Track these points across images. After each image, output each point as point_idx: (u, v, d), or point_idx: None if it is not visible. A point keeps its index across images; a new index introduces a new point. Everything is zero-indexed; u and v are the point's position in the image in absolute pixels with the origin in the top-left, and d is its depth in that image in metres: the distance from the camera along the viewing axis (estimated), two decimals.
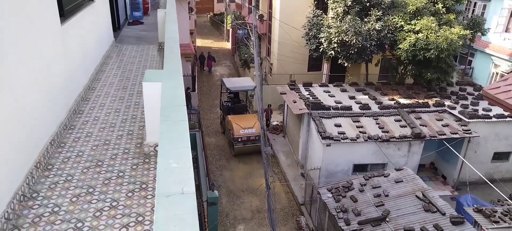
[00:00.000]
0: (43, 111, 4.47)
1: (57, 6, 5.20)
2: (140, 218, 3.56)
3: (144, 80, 4.31)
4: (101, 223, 3.47)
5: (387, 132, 13.61)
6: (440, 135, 13.60)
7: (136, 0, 12.82)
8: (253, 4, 26.51)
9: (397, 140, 13.33)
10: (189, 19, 21.86)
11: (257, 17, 19.27)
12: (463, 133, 13.83)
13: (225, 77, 25.57)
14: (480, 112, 14.83)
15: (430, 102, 15.81)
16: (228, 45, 36.71)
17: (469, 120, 14.20)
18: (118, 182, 4.09)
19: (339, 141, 13.08)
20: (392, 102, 15.87)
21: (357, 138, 13.21)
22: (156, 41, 9.92)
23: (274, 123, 20.05)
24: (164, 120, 3.36)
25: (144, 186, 4.05)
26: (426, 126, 14.09)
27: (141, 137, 5.10)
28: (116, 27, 11.02)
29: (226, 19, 35.94)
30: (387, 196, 11.05)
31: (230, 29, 34.13)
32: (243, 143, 17.13)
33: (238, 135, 17.03)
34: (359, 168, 13.67)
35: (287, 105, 17.06)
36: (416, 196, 10.81)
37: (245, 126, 17.16)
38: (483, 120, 14.29)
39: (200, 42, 37.72)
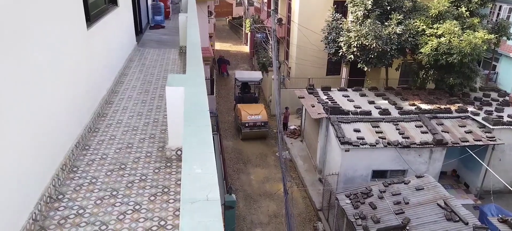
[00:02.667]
0: (69, 114, 4.56)
1: (83, 11, 5.30)
2: (162, 222, 3.56)
3: (167, 84, 4.33)
4: (124, 226, 3.50)
5: (408, 137, 13.33)
6: (463, 141, 13.22)
7: (158, 4, 12.99)
8: (272, 7, 26.52)
9: (418, 146, 13.05)
10: (208, 22, 22.02)
11: (275, 21, 19.28)
12: (487, 140, 13.40)
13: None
14: (505, 119, 14.35)
15: (453, 108, 15.40)
16: (246, 48, 36.80)
17: (494, 127, 13.76)
18: (140, 186, 4.12)
19: (358, 146, 12.90)
20: (413, 107, 15.57)
21: (377, 143, 13.00)
22: (177, 45, 10.02)
23: (292, 127, 19.95)
24: (188, 124, 3.36)
25: (166, 190, 4.07)
26: (448, 132, 13.74)
27: (163, 140, 5.13)
28: (139, 31, 11.19)
29: (245, 23, 36.07)
30: (407, 203, 10.80)
31: (249, 33, 34.20)
32: (249, 128, 18.89)
33: (245, 120, 18.77)
34: (378, 174, 13.44)
35: (305, 109, 16.96)
36: (438, 205, 10.52)
37: (252, 112, 18.93)
38: (508, 126, 13.82)
39: (218, 45, 37.98)
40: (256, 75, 21.51)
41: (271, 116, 22.06)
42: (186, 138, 3.14)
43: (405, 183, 11.72)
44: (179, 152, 4.67)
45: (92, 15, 5.79)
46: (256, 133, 19.04)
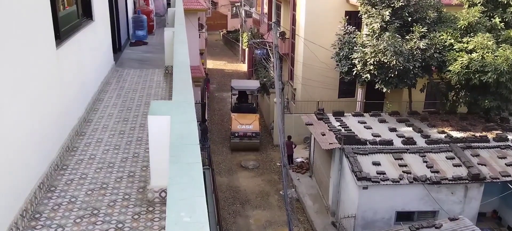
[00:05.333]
0: (32, 149, 4.53)
1: (52, 27, 5.37)
2: None
3: (149, 113, 4.32)
4: None
5: (437, 172, 13.28)
6: (504, 176, 13.14)
7: (140, 17, 13.20)
8: (273, 19, 26.97)
9: (450, 182, 12.97)
10: (199, 37, 22.40)
11: (278, 35, 19.57)
12: None
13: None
14: None
15: (490, 135, 15.41)
16: (244, 67, 37.20)
17: None
18: None
19: (378, 182, 12.82)
20: (442, 135, 15.57)
21: (400, 179, 12.93)
22: (162, 65, 10.12)
23: (299, 160, 19.88)
24: (174, 162, 3.33)
25: None
26: (485, 165, 13.69)
27: (144, 179, 5.09)
28: (117, 48, 11.32)
29: (242, 37, 36.62)
30: None
31: (246, 49, 34.65)
32: (239, 138, 21.42)
33: (235, 130, 21.37)
34: (403, 217, 13.31)
35: (314, 138, 16.93)
36: None
37: (243, 122, 21.44)
38: None
39: (211, 63, 38.43)
40: (253, 83, 24.92)
41: (274, 146, 22.04)
42: (172, 178, 3.11)
43: (436, 227, 11.57)
44: (163, 194, 4.62)
45: (62, 32, 5.87)
46: (245, 143, 21.49)
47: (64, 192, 4.78)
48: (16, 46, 4.20)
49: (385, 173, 13.12)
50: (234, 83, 24.46)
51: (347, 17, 19.79)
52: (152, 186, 4.64)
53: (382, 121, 17.11)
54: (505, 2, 16.22)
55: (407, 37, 16.03)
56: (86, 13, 7.61)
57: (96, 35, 8.08)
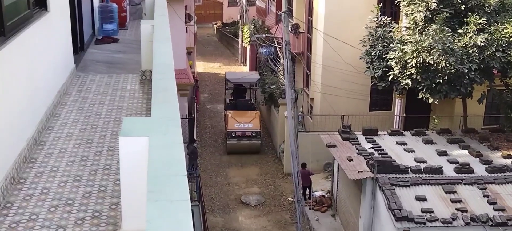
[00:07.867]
0: None
1: None
2: None
3: (121, 133, 4.34)
4: None
5: (503, 209, 13.25)
6: None
7: (109, 6, 13.33)
8: (283, 8, 27.17)
9: None
10: (186, 32, 22.53)
11: (289, 29, 19.70)
12: None
13: None
14: None
15: None
16: (245, 70, 37.32)
17: None
18: None
19: (424, 224, 12.78)
20: (509, 161, 15.57)
21: (454, 219, 12.90)
22: (138, 69, 10.17)
23: (318, 194, 19.83)
24: (153, 198, 3.33)
25: None
26: None
27: (113, 221, 5.08)
28: (79, 47, 11.41)
29: (242, 32, 36.83)
30: None
31: (248, 47, 34.80)
32: (237, 139, 24.04)
33: (231, 129, 24.05)
34: None
35: (338, 165, 16.91)
36: None
37: (241, 120, 24.12)
38: None
39: (202, 66, 38.67)
40: (251, 76, 28.04)
41: (284, 176, 21.98)
42: (150, 221, 3.11)
43: None
44: None
45: (7, 27, 5.92)
46: (244, 145, 24.09)
47: None
48: None
49: (432, 211, 13.10)
50: (229, 76, 27.41)
51: (381, 4, 19.89)
52: (124, 230, 4.64)
53: (428, 142, 17.13)
54: None
55: (460, 30, 16.06)
56: (39, 2, 7.68)
57: (51, 30, 8.13)
